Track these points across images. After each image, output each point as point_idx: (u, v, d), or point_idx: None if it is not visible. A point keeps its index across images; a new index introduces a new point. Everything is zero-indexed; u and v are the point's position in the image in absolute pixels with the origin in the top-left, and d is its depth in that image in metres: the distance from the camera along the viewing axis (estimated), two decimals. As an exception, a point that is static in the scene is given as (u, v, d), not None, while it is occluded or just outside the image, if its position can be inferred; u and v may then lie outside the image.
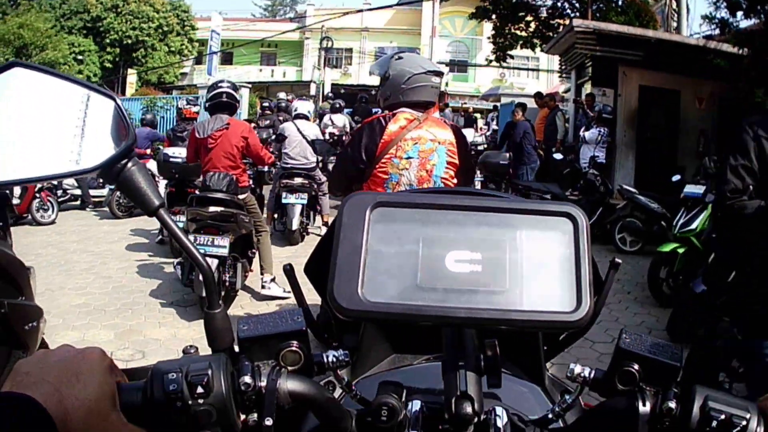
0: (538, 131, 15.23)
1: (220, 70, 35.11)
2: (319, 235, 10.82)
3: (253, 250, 7.47)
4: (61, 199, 13.41)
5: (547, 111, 16.24)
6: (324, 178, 10.48)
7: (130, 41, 38.51)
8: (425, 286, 0.92)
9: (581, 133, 13.56)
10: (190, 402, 0.90)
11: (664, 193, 10.21)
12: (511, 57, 24.17)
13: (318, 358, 1.06)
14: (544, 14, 22.14)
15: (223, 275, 6.75)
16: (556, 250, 0.96)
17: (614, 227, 10.56)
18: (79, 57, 35.98)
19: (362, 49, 45.39)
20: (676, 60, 13.75)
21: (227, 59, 44.99)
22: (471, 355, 0.99)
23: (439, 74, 4.41)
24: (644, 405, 0.97)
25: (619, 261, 1.24)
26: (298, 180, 10.27)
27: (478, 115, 27.03)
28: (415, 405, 1.05)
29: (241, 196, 7.09)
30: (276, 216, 10.81)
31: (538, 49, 22.94)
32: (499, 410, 1.02)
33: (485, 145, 13.93)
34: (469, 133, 12.13)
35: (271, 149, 10.56)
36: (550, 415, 1.10)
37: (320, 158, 10.60)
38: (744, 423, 0.90)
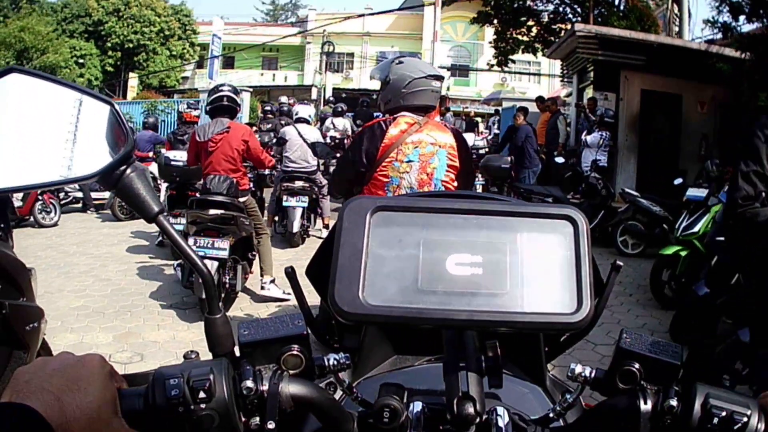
0: (540, 135, 15.23)
1: (221, 74, 35.11)
2: (319, 237, 10.83)
3: (254, 253, 7.46)
4: (63, 201, 13.39)
5: (549, 115, 16.24)
6: (325, 181, 10.48)
7: (131, 45, 38.59)
8: (426, 289, 0.92)
9: (583, 137, 13.55)
10: (192, 407, 0.90)
11: (666, 197, 10.20)
12: (513, 61, 24.19)
13: (319, 362, 1.06)
14: (546, 19, 22.13)
15: (223, 277, 6.75)
16: (557, 253, 0.96)
17: (616, 230, 10.54)
18: (81, 61, 36.02)
19: (364, 53, 45.43)
20: (678, 64, 13.74)
21: (229, 63, 45.05)
22: (472, 357, 0.99)
23: (440, 78, 4.45)
24: (645, 403, 0.97)
25: (621, 264, 1.25)
26: (298, 183, 10.29)
27: (478, 119, 27.01)
28: (417, 406, 1.05)
29: (241, 199, 7.08)
30: (277, 219, 10.86)
31: (539, 54, 22.95)
32: (500, 410, 1.02)
33: (486, 149, 13.90)
34: (470, 138, 12.10)
35: (272, 153, 10.57)
36: (551, 415, 1.10)
37: (321, 161, 10.62)
38: (745, 420, 0.91)
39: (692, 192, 7.81)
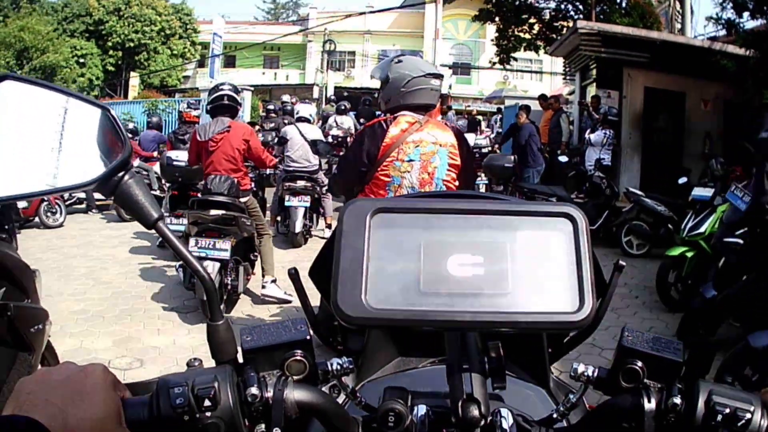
0: (543, 133, 15.18)
1: (222, 73, 35.01)
2: (322, 237, 10.88)
3: (255, 254, 7.44)
4: (68, 202, 13.40)
5: (552, 113, 16.21)
6: (327, 181, 10.45)
7: (132, 44, 38.55)
8: (428, 291, 0.92)
9: (586, 136, 13.51)
10: (197, 415, 0.90)
11: (670, 196, 10.15)
12: (515, 59, 24.09)
13: (322, 366, 1.06)
14: (548, 16, 22.07)
15: (225, 278, 6.73)
16: (557, 251, 0.96)
17: (620, 230, 10.51)
18: (81, 60, 35.99)
19: (365, 52, 45.37)
20: (682, 62, 13.69)
21: (230, 62, 45.00)
22: (475, 358, 1.00)
23: (439, 77, 4.46)
24: (649, 401, 0.98)
25: (623, 264, 1.26)
26: (300, 183, 10.29)
27: (480, 118, 26.95)
28: (421, 409, 1.06)
29: (242, 199, 7.05)
30: (279, 219, 10.90)
31: (541, 52, 22.89)
32: (504, 412, 1.04)
33: (489, 148, 13.85)
34: (471, 138, 12.04)
35: (273, 152, 10.55)
36: (554, 415, 1.10)
37: (324, 160, 10.60)
38: (748, 416, 0.92)
39: (698, 192, 7.73)
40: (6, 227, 6.89)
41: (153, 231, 1.08)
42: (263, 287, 7.37)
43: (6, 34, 25.74)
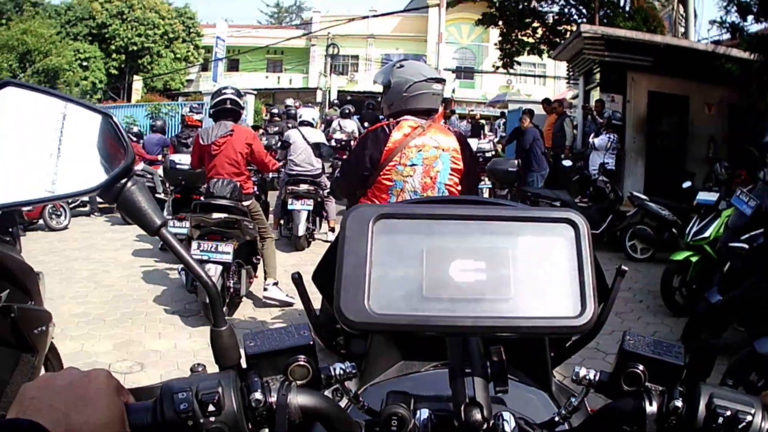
0: (546, 137, 15.17)
1: (225, 77, 35.00)
2: (325, 241, 10.91)
3: (258, 257, 7.44)
4: (73, 205, 13.45)
5: (555, 117, 16.19)
6: (329, 184, 10.47)
7: (135, 48, 38.56)
8: (431, 296, 0.92)
9: (590, 140, 13.50)
10: (201, 420, 0.91)
11: (674, 200, 10.13)
12: (518, 63, 24.09)
13: (325, 371, 1.06)
14: (551, 20, 22.08)
15: (227, 282, 6.74)
16: (559, 256, 0.96)
17: (624, 235, 10.49)
18: (85, 64, 36.01)
19: (368, 56, 45.38)
20: (685, 65, 13.66)
21: (233, 66, 45.00)
22: (477, 362, 1.01)
23: (440, 81, 4.48)
24: (651, 405, 0.99)
25: (626, 269, 1.29)
26: (303, 186, 10.33)
27: (483, 122, 26.95)
28: (423, 413, 1.05)
29: (245, 203, 7.05)
30: (282, 222, 10.94)
31: (545, 56, 22.89)
32: (506, 415, 1.03)
33: (493, 152, 13.84)
34: (474, 142, 12.02)
35: (277, 156, 10.57)
36: (556, 418, 1.11)
37: (326, 164, 10.62)
38: (749, 418, 0.93)
39: (702, 196, 7.71)
40: (10, 230, 6.95)
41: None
42: (265, 290, 7.37)
43: (9, 37, 25.75)
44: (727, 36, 13.04)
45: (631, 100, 14.49)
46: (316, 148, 10.01)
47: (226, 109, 7.20)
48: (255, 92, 26.17)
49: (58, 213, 12.28)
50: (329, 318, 1.04)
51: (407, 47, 43.70)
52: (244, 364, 1.03)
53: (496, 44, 24.35)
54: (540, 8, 22.05)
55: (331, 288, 0.94)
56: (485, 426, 0.96)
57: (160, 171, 12.06)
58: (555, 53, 18.93)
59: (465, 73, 44.70)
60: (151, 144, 14.18)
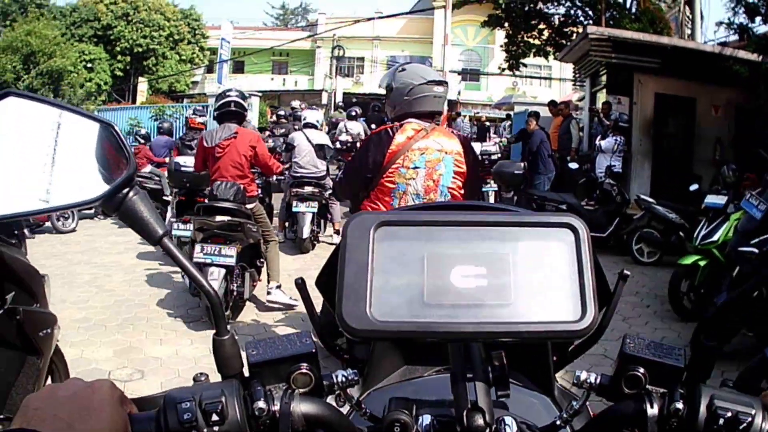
0: (552, 140, 15.12)
1: (231, 79, 35.10)
2: (330, 243, 10.90)
3: (262, 260, 7.41)
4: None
5: (561, 119, 16.16)
6: (335, 186, 10.48)
7: (140, 49, 38.58)
8: (432, 303, 0.92)
9: (597, 142, 13.46)
10: (205, 430, 0.90)
11: (680, 202, 10.08)
12: (524, 65, 24.05)
13: (328, 379, 1.06)
14: (557, 22, 22.05)
15: (231, 285, 6.71)
16: (559, 261, 0.96)
17: (631, 238, 10.42)
18: (90, 65, 36.03)
19: (374, 57, 45.40)
20: (692, 67, 13.62)
21: (239, 68, 45.10)
22: (479, 368, 1.01)
23: (442, 83, 4.50)
24: (652, 407, 0.99)
25: (628, 273, 1.26)
26: (308, 189, 10.33)
27: (488, 124, 26.91)
28: (426, 419, 1.06)
29: (249, 206, 7.04)
30: (287, 225, 10.95)
31: (551, 58, 22.85)
32: (508, 420, 1.03)
33: (499, 155, 13.79)
34: (477, 146, 11.96)
35: (281, 158, 10.56)
36: (558, 422, 1.12)
37: (332, 166, 10.62)
38: (749, 419, 0.93)
39: (711, 199, 7.62)
40: (15, 232, 6.93)
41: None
42: (268, 293, 7.35)
43: (13, 38, 25.78)
44: (734, 37, 13.01)
45: (637, 102, 14.46)
46: (320, 149, 10.00)
47: (230, 112, 7.17)
48: (260, 94, 26.23)
49: (66, 215, 12.33)
50: (330, 320, 1.03)
51: (413, 49, 43.76)
52: (246, 373, 1.03)
53: (501, 46, 24.34)
54: (546, 10, 22.02)
55: (334, 293, 0.94)
56: (487, 430, 0.96)
57: (167, 173, 12.06)
58: (561, 55, 18.92)
59: (471, 75, 44.71)
60: (159, 146, 14.19)
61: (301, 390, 1.00)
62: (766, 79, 11.33)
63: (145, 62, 39.14)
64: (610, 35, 14.51)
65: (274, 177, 9.09)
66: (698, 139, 14.53)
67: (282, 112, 19.86)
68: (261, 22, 62.52)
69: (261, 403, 0.95)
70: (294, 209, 10.23)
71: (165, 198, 11.74)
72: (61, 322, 6.62)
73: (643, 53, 14.07)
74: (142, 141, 14.57)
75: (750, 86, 11.99)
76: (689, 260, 7.23)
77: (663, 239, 10.12)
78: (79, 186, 1.01)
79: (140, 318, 7.17)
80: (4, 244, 4.01)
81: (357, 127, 16.10)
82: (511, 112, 24.08)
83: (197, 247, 6.56)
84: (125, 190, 1.01)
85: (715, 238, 6.97)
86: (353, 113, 17.00)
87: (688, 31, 18.80)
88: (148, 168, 13.21)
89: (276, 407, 0.96)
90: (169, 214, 9.98)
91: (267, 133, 17.94)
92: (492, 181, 11.95)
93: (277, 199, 11.80)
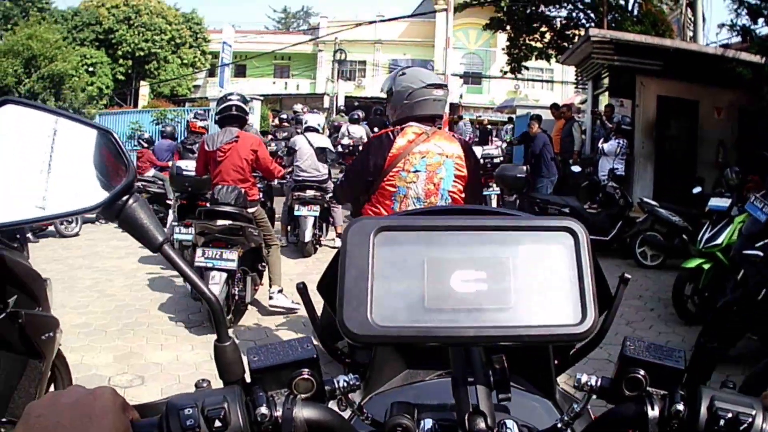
0: (555, 143, 15.10)
1: (233, 83, 35.03)
2: (332, 247, 10.92)
3: (263, 264, 7.41)
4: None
5: (564, 122, 16.14)
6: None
7: (142, 53, 38.54)
8: (433, 308, 0.92)
9: (600, 145, 13.46)
10: None
11: (683, 205, 10.06)
12: (526, 68, 24.04)
13: (329, 384, 1.06)
14: (559, 25, 22.04)
15: (232, 289, 6.72)
16: (559, 265, 0.96)
17: (634, 241, 10.39)
18: (91, 69, 36.02)
19: (376, 61, 45.43)
20: (695, 69, 13.61)
21: (240, 72, 45.10)
22: (480, 371, 1.00)
23: (441, 87, 4.51)
24: (652, 409, 1.00)
25: (629, 276, 1.26)
26: (310, 192, 10.33)
27: (489, 127, 26.93)
28: (428, 423, 1.07)
29: (250, 210, 7.04)
30: (289, 228, 10.96)
31: (553, 60, 22.83)
32: (509, 423, 1.05)
33: (501, 158, 13.78)
34: (479, 150, 11.93)
35: (283, 162, 10.55)
36: (559, 425, 1.12)
37: (334, 170, 10.64)
38: (750, 420, 0.93)
39: (715, 202, 7.59)
40: (18, 236, 6.93)
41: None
42: (270, 298, 7.34)
43: (14, 42, 25.78)
44: (737, 39, 12.99)
45: (640, 104, 14.45)
46: (321, 153, 10.00)
47: (231, 116, 7.18)
48: (262, 98, 26.23)
49: (69, 219, 12.27)
50: (331, 324, 1.02)
51: (415, 52, 43.81)
52: (248, 379, 1.03)
53: (503, 49, 24.32)
54: (548, 13, 22.01)
55: (335, 297, 0.94)
56: None
57: (170, 176, 12.07)
58: (563, 58, 18.92)
59: (473, 78, 44.65)
60: (162, 150, 14.20)
61: (303, 395, 1.01)
62: (768, 81, 11.32)
63: (146, 66, 39.12)
64: (612, 38, 14.50)
65: (276, 181, 9.09)
66: (701, 141, 14.52)
67: (285, 116, 19.91)
68: (263, 26, 62.74)
69: (263, 409, 0.95)
70: (296, 213, 10.24)
71: (168, 202, 11.76)
72: (62, 327, 6.63)
73: (645, 55, 14.06)
74: (146, 145, 14.57)
75: (753, 88, 11.98)
76: (693, 263, 7.20)
77: (666, 242, 10.09)
78: (77, 193, 1.01)
79: (141, 323, 7.15)
80: (5, 247, 4.01)
81: (359, 131, 16.11)
82: (513, 116, 24.14)
83: (198, 251, 6.56)
84: (125, 198, 1.02)
85: (719, 241, 6.95)
86: (356, 117, 17.03)
87: (690, 33, 18.80)
88: (151, 172, 13.24)
89: (278, 413, 0.96)
90: (170, 218, 9.97)
91: (270, 136, 17.94)
92: (494, 185, 11.94)
93: (278, 203, 11.84)
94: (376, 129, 16.36)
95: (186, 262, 1.07)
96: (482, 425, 0.94)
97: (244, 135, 7.20)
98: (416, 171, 4.21)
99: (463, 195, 4.37)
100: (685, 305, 7.29)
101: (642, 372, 1.03)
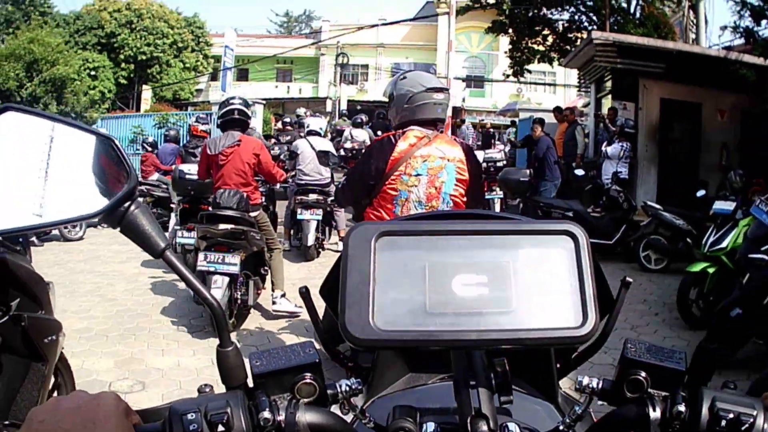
0: (558, 146, 15.09)
1: (235, 87, 35.05)
2: (335, 251, 10.87)
3: (266, 268, 7.41)
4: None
5: (566, 125, 16.12)
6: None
7: (144, 57, 38.54)
8: (434, 312, 0.93)
9: (603, 148, 13.43)
10: None
11: (686, 208, 10.03)
12: (528, 71, 24.02)
13: (332, 388, 1.06)
14: (561, 28, 22.02)
15: (235, 293, 6.72)
16: (559, 268, 0.97)
17: (638, 245, 10.35)
18: (93, 73, 36.02)
19: (378, 65, 45.47)
20: (697, 72, 13.59)
21: (243, 75, 45.13)
22: (482, 375, 1.01)
23: (442, 90, 4.52)
24: (654, 410, 1.00)
25: (630, 280, 1.28)
26: (312, 196, 10.34)
27: (492, 130, 26.92)
28: (430, 427, 1.07)
29: (252, 214, 7.03)
30: (292, 232, 10.95)
31: (555, 64, 22.82)
32: (511, 426, 1.03)
33: (504, 162, 13.75)
34: (480, 154, 11.92)
35: (285, 166, 10.55)
36: (561, 427, 1.12)
37: (336, 174, 10.64)
38: (751, 420, 0.94)
39: (719, 205, 7.56)
40: (20, 240, 6.94)
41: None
42: (273, 302, 7.33)
43: (16, 46, 25.69)
44: (740, 41, 12.96)
45: (643, 107, 14.44)
46: (323, 156, 10.00)
47: (233, 120, 7.18)
48: (264, 102, 26.21)
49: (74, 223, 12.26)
50: (333, 327, 1.01)
51: (417, 56, 43.80)
52: (250, 383, 1.04)
53: (506, 52, 24.31)
54: (550, 16, 22.00)
55: (337, 302, 0.94)
56: None
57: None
58: (566, 61, 18.90)
59: (475, 81, 44.67)
60: (166, 154, 14.20)
61: (306, 400, 1.01)
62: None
63: (149, 70, 39.11)
64: (614, 40, 14.50)
65: (278, 185, 9.07)
66: (704, 144, 14.51)
67: (287, 120, 19.91)
68: (265, 30, 62.57)
69: (266, 414, 0.95)
70: (298, 217, 10.24)
71: (172, 205, 11.75)
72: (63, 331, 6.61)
73: (648, 58, 14.05)
74: (150, 149, 14.58)
75: (756, 90, 11.96)
76: (698, 267, 7.16)
77: (670, 246, 10.05)
78: (75, 200, 1.02)
79: (142, 328, 7.12)
80: (8, 251, 4.01)
81: (362, 135, 16.11)
82: (516, 119, 24.09)
83: (201, 255, 6.56)
84: (126, 204, 1.03)
85: (723, 244, 6.91)
86: (359, 120, 17.05)
87: (693, 36, 18.81)
88: (155, 176, 13.25)
89: (281, 417, 0.97)
90: (173, 222, 9.96)
91: (272, 140, 17.95)
92: (498, 189, 11.91)
93: (280, 207, 11.82)
94: (379, 132, 16.35)
95: (188, 268, 1.07)
96: (484, 428, 0.95)
97: (246, 139, 7.21)
98: (418, 175, 4.22)
99: (464, 198, 4.36)
100: (690, 309, 7.24)
101: (643, 374, 1.03)
